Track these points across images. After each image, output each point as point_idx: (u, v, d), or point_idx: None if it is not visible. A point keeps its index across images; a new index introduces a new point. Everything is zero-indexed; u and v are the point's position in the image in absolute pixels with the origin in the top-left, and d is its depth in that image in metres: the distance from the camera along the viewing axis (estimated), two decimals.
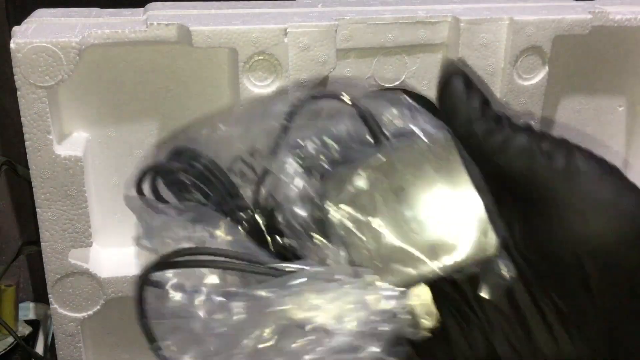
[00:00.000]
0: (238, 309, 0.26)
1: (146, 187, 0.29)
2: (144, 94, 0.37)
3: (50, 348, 0.56)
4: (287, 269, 0.27)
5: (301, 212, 0.29)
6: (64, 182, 0.35)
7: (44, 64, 0.32)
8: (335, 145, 0.30)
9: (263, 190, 0.30)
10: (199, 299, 0.27)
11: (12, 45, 0.32)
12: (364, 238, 0.29)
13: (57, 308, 0.38)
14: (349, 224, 0.29)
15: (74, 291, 0.38)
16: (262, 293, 0.26)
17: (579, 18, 0.38)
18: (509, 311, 0.31)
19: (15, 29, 0.34)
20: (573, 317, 0.29)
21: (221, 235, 0.28)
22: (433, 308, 0.29)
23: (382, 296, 0.28)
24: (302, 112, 0.31)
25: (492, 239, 0.29)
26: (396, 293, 0.28)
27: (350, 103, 0.30)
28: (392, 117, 0.31)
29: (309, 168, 0.30)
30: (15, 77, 0.33)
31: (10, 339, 0.55)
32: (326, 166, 0.30)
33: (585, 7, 0.40)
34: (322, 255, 0.29)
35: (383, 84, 0.39)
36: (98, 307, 0.38)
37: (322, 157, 0.30)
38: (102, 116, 0.37)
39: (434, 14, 0.37)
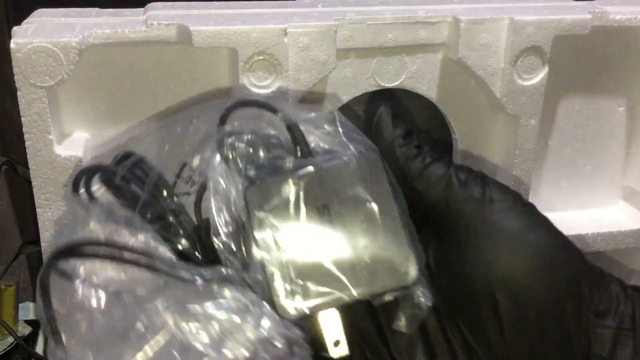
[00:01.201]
0: (122, 312, 0.26)
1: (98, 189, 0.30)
2: (144, 94, 0.37)
3: None
4: (184, 275, 0.27)
5: (222, 220, 0.29)
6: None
7: (44, 64, 0.32)
8: (263, 151, 0.30)
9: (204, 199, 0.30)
10: (98, 297, 0.27)
11: (12, 45, 0.32)
12: (284, 251, 0.28)
13: None
14: (271, 235, 0.29)
15: None
16: (151, 303, 0.26)
17: (579, 18, 0.38)
18: (420, 344, 0.31)
19: (15, 29, 0.34)
20: (481, 352, 0.29)
21: (136, 236, 0.28)
22: (342, 335, 0.29)
23: (268, 328, 0.27)
24: (235, 116, 0.30)
25: (413, 268, 0.29)
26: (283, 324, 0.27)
27: (277, 112, 0.30)
28: (325, 133, 0.31)
29: (238, 170, 0.29)
30: (15, 77, 0.33)
31: (10, 339, 0.55)
32: (252, 171, 0.29)
33: (585, 7, 0.40)
34: (237, 268, 0.28)
35: (383, 84, 0.39)
36: None
37: (249, 159, 0.30)
38: (102, 116, 0.37)
39: (434, 14, 0.37)
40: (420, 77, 0.39)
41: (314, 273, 0.28)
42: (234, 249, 0.29)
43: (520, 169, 0.41)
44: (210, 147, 0.30)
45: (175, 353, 0.26)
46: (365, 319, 0.31)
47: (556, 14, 0.38)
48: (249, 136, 0.30)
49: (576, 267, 0.30)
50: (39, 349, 0.56)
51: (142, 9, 0.38)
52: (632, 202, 0.46)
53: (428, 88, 0.40)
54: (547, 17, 0.38)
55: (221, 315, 0.27)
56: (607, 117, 0.45)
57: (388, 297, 0.29)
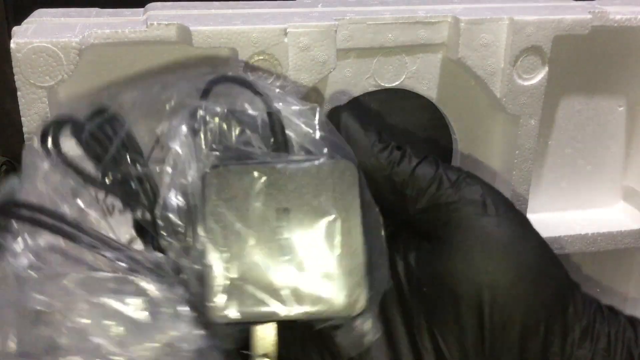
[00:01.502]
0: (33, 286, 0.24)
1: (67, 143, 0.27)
2: None
3: None
4: (108, 256, 0.25)
5: (173, 195, 0.26)
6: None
7: (44, 64, 0.32)
8: (236, 132, 0.28)
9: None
10: (18, 264, 0.25)
11: (12, 45, 0.32)
12: (231, 246, 0.26)
13: None
14: (221, 226, 0.26)
15: None
16: (59, 281, 0.24)
17: (579, 18, 0.38)
18: (386, 355, 0.29)
19: (15, 29, 0.34)
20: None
21: (78, 202, 0.26)
22: (273, 350, 0.26)
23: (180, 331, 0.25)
24: (218, 92, 0.28)
25: (362, 298, 0.26)
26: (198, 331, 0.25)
27: (260, 95, 0.28)
28: (305, 129, 0.28)
29: (205, 145, 0.27)
30: (15, 77, 0.33)
31: None
32: (218, 153, 0.27)
33: (585, 7, 0.40)
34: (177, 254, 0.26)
35: (383, 84, 0.39)
36: None
37: (220, 137, 0.27)
38: None
39: (434, 14, 0.37)
40: (420, 77, 0.39)
41: (255, 279, 0.26)
42: (179, 229, 0.26)
43: (520, 169, 0.41)
44: (180, 116, 0.27)
45: (68, 340, 0.24)
46: (312, 336, 0.29)
47: (556, 14, 0.38)
48: (224, 113, 0.28)
49: (563, 283, 0.29)
50: None
51: (142, 9, 0.38)
52: (632, 202, 0.46)
53: (428, 88, 0.40)
54: (547, 17, 0.38)
55: (129, 312, 0.24)
56: (607, 117, 0.45)
57: (329, 324, 0.26)
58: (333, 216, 0.27)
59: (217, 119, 0.28)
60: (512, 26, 0.37)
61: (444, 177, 0.29)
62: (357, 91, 0.39)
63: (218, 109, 0.28)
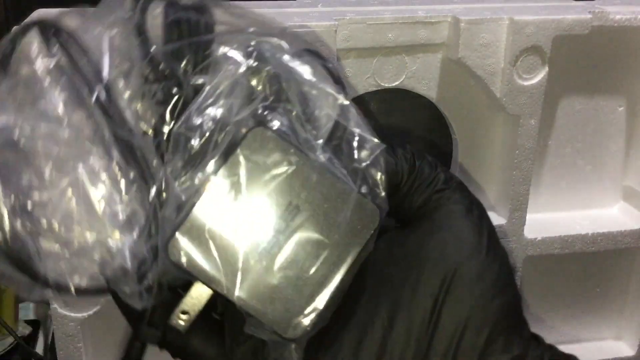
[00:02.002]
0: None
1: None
2: None
3: (51, 348, 0.56)
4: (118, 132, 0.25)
5: (201, 117, 0.25)
6: None
7: None
8: (284, 97, 0.27)
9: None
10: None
11: None
12: (224, 204, 0.26)
13: (57, 308, 0.38)
14: (230, 182, 0.26)
15: None
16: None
17: (579, 18, 0.38)
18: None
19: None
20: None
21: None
22: (194, 315, 0.27)
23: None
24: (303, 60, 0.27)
25: (299, 328, 0.26)
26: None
27: (343, 94, 0.27)
28: (363, 151, 0.27)
29: (258, 94, 0.26)
30: None
31: (10, 339, 0.55)
32: (274, 114, 0.26)
33: (585, 7, 0.40)
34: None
35: (383, 84, 0.39)
36: (98, 306, 0.38)
37: (266, 93, 0.26)
38: None
39: (434, 14, 0.37)
40: (420, 77, 0.39)
41: (223, 245, 0.26)
42: (190, 151, 0.25)
43: (520, 169, 0.41)
44: (240, 46, 0.26)
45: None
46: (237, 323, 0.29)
47: (556, 14, 0.38)
48: (279, 74, 0.26)
49: (513, 310, 0.30)
50: (39, 349, 0.56)
51: None
52: (632, 202, 0.46)
53: (428, 88, 0.40)
54: (547, 17, 0.38)
55: (93, 197, 0.24)
56: (607, 117, 0.45)
57: (260, 332, 0.26)
58: (327, 242, 0.27)
59: (270, 71, 0.26)
60: (512, 26, 0.37)
61: (440, 177, 0.31)
62: (357, 91, 0.39)
63: (276, 61, 0.26)
